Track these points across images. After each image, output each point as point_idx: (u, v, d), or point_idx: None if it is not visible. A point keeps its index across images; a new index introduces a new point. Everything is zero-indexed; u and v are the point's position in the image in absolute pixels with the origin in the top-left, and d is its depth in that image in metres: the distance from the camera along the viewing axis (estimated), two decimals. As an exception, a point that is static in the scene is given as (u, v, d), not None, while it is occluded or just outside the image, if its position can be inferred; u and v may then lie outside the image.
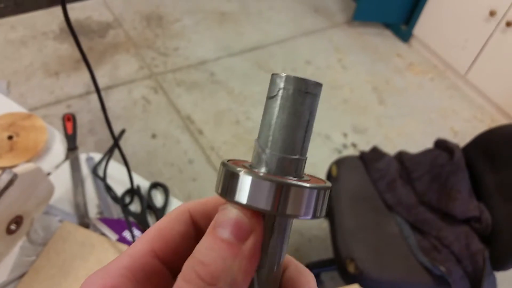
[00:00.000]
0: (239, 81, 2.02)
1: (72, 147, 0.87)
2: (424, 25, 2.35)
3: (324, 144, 1.83)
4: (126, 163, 0.72)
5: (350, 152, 1.84)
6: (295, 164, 0.21)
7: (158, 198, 0.82)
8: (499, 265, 1.08)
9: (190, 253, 0.22)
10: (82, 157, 0.86)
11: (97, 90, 0.64)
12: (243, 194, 0.20)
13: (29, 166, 0.66)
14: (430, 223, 1.16)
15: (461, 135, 2.02)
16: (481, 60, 2.12)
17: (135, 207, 0.79)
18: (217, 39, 2.20)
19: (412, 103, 2.13)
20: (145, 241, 0.24)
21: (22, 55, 1.90)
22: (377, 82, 2.19)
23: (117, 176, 0.84)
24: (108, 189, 0.78)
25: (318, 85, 0.21)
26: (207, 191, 1.57)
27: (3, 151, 0.81)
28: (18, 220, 0.68)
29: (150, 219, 0.78)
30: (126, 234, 0.74)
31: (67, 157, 0.85)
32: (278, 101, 0.21)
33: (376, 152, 1.34)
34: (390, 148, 1.89)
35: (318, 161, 1.74)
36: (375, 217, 1.21)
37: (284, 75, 0.20)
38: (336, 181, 1.28)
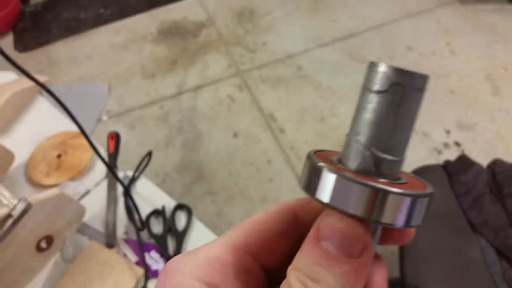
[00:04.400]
0: (327, 74, 1.92)
1: (112, 165, 0.91)
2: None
3: (421, 142, 1.65)
4: (134, 205, 0.72)
5: (452, 152, 1.62)
6: (398, 166, 0.20)
7: (181, 220, 0.82)
8: None
9: (286, 253, 0.23)
10: (120, 175, 0.90)
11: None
12: (351, 203, 0.18)
13: (51, 192, 0.71)
14: (521, 250, 0.97)
15: None
16: None
17: (158, 228, 0.80)
18: (307, 29, 2.12)
19: (535, 92, 1.79)
20: (240, 233, 0.23)
21: (122, 59, 2.06)
22: (492, 69, 1.88)
23: (147, 195, 0.86)
24: (129, 210, 0.80)
25: (428, 79, 0.20)
26: (283, 193, 1.54)
27: (51, 169, 0.88)
28: (48, 239, 0.74)
29: (171, 242, 0.79)
30: (146, 256, 0.76)
31: (107, 175, 0.89)
32: (390, 98, 0.19)
33: (463, 161, 1.15)
34: (502, 148, 1.63)
35: (412, 163, 1.57)
36: (454, 239, 1.05)
37: (398, 67, 0.19)
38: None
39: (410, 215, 0.18)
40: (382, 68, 0.19)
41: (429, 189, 0.19)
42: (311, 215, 0.24)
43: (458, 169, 1.14)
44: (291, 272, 0.19)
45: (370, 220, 0.18)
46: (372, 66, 0.19)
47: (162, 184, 1.59)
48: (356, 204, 0.18)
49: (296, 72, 1.93)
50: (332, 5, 2.23)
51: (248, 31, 2.14)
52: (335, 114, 1.75)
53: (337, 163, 0.21)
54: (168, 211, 0.83)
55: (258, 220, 0.23)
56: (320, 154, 0.22)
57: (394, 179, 0.20)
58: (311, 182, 0.20)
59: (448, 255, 1.03)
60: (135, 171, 0.85)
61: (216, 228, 1.47)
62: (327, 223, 0.19)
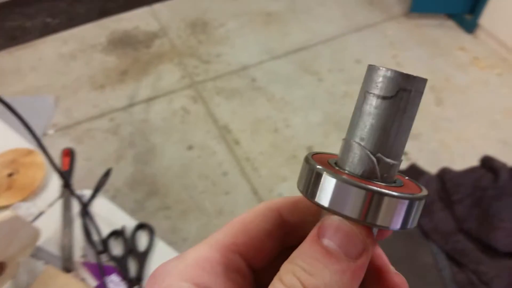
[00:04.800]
0: (280, 85, 1.95)
1: (66, 184, 0.87)
2: (492, 13, 2.08)
3: (369, 152, 1.70)
4: (95, 226, 0.69)
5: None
6: (397, 169, 0.20)
7: (142, 241, 0.80)
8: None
9: (273, 253, 0.23)
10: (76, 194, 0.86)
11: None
12: (355, 207, 0.18)
13: (4, 215, 0.67)
14: (468, 254, 1.03)
15: (532, 139, 1.77)
16: (560, 50, 1.84)
17: (118, 250, 0.77)
18: (261, 42, 2.14)
19: (475, 102, 1.91)
20: (228, 233, 0.23)
21: (71, 69, 1.99)
22: (436, 80, 1.99)
23: (105, 214, 0.83)
24: (87, 232, 0.76)
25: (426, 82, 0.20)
26: (239, 206, 1.54)
27: (2, 189, 0.83)
28: (0, 266, 0.69)
29: (132, 264, 0.76)
30: (107, 280, 0.73)
31: (61, 195, 0.85)
32: (397, 103, 0.19)
33: (413, 171, 1.21)
34: (447, 156, 1.72)
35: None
36: (408, 246, 1.10)
37: (403, 72, 0.19)
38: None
39: (408, 217, 0.19)
40: (389, 73, 0.19)
41: (425, 191, 0.20)
42: (298, 215, 0.24)
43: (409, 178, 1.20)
44: (285, 265, 0.19)
45: (375, 225, 0.18)
46: (377, 71, 0.19)
47: (113, 200, 1.54)
48: (360, 209, 0.18)
49: (250, 84, 1.95)
50: (284, 19, 2.27)
51: (202, 42, 2.13)
52: (289, 125, 1.78)
53: (334, 166, 0.21)
54: (128, 231, 0.80)
55: (245, 220, 0.23)
56: (318, 157, 0.22)
57: (392, 182, 0.20)
58: (310, 186, 0.20)
59: (403, 261, 1.07)
60: (95, 189, 0.82)
61: (170, 244, 1.44)
62: (332, 223, 0.19)
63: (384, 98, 0.19)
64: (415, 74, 0.19)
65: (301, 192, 0.21)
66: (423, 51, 2.14)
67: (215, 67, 2.02)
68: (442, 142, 1.77)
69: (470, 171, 1.13)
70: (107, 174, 0.85)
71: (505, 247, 0.97)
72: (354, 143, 0.20)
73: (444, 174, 1.17)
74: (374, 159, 0.19)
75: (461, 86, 1.98)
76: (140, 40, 2.12)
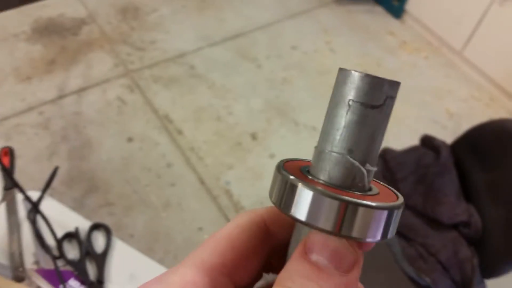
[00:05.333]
0: (220, 73, 1.92)
1: (9, 186, 0.79)
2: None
3: (310, 137, 1.74)
4: (50, 228, 0.63)
5: (339, 143, 1.75)
6: (372, 175, 0.20)
7: (99, 242, 0.75)
8: (489, 273, 1.00)
9: (257, 268, 0.22)
10: (20, 197, 0.78)
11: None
12: (334, 220, 0.17)
13: None
14: (415, 229, 1.08)
15: (457, 117, 1.91)
16: (478, 35, 1.99)
17: (73, 253, 0.72)
18: (197, 28, 2.09)
19: (404, 85, 1.99)
20: (214, 252, 0.20)
21: (-9, 61, 1.81)
22: (368, 65, 2.07)
23: (55, 216, 0.76)
24: (39, 236, 0.70)
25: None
26: (186, 197, 1.50)
27: None
28: None
29: (90, 267, 0.71)
30: (66, 286, 0.68)
31: (3, 198, 0.77)
32: (385, 111, 0.19)
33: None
34: (382, 137, 1.80)
35: (306, 156, 1.65)
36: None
37: (386, 80, 0.18)
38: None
39: (388, 227, 0.18)
40: (376, 81, 0.18)
41: (401, 198, 0.20)
42: (285, 226, 0.22)
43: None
44: (277, 285, 0.18)
45: (363, 239, 0.18)
46: (363, 78, 0.18)
47: (52, 198, 1.44)
48: (349, 224, 0.17)
49: (189, 72, 1.90)
50: (219, 4, 2.23)
51: (134, 29, 2.03)
52: (232, 113, 1.76)
53: (307, 175, 0.20)
54: (82, 233, 0.75)
55: (231, 237, 0.21)
56: (290, 164, 0.21)
57: (369, 190, 0.20)
58: (283, 197, 0.19)
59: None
60: (44, 189, 0.75)
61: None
62: (319, 236, 0.18)
63: (373, 107, 0.18)
64: (394, 79, 0.19)
65: (274, 204, 0.19)
66: (355, 36, 2.21)
67: (150, 54, 1.94)
68: (377, 124, 1.86)
69: (412, 150, 1.19)
70: (54, 173, 0.79)
71: (450, 220, 1.04)
72: (334, 153, 0.19)
73: (386, 153, 1.22)
74: (365, 171, 0.19)
75: (392, 70, 2.08)
76: (67, 27, 1.97)
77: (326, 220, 0.17)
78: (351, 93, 0.19)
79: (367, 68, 2.06)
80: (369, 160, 0.19)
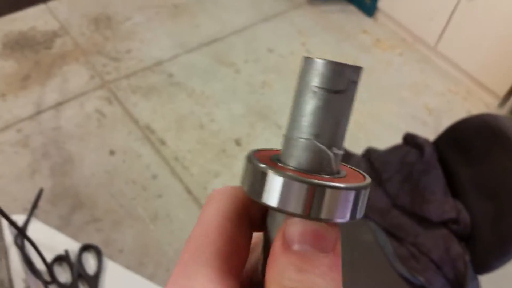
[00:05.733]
0: (199, 79, 1.90)
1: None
2: (388, -3, 2.24)
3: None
4: (39, 253, 0.61)
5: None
6: (341, 159, 0.20)
7: (90, 263, 0.73)
8: (481, 268, 1.02)
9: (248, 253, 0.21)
10: (5, 222, 0.76)
11: None
12: (301, 205, 0.18)
13: None
14: (405, 228, 1.10)
15: (436, 112, 1.95)
16: (450, 29, 2.04)
17: (65, 277, 0.70)
18: (172, 35, 2.07)
19: (381, 82, 2.05)
20: (221, 256, 0.19)
21: (-39, 79, 1.75)
22: (345, 64, 2.09)
23: (43, 240, 0.74)
24: (28, 262, 0.68)
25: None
26: (174, 207, 1.49)
27: None
28: None
29: (86, 291, 0.69)
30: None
31: (-12, 225, 0.75)
32: (348, 95, 0.19)
33: (344, 154, 1.26)
34: (363, 135, 1.82)
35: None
36: (347, 225, 1.15)
37: (348, 65, 0.19)
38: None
39: (356, 207, 0.19)
40: (339, 67, 0.19)
41: (368, 179, 0.20)
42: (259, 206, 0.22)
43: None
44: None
45: (331, 220, 0.18)
46: (325, 64, 0.19)
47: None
48: (318, 206, 0.18)
49: (167, 80, 1.88)
50: (192, 10, 2.21)
51: (108, 39, 2.00)
52: (214, 120, 1.75)
53: (278, 163, 0.20)
54: (72, 255, 0.73)
55: (227, 232, 0.20)
56: (260, 154, 0.21)
57: (337, 173, 0.20)
58: (255, 186, 0.19)
59: (345, 241, 1.11)
60: (30, 213, 0.73)
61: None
62: (295, 225, 0.18)
63: (336, 92, 0.19)
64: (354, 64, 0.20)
65: (246, 193, 0.20)
66: (330, 36, 2.23)
67: (126, 64, 1.92)
68: (357, 123, 1.87)
69: (395, 148, 1.21)
70: (39, 195, 0.77)
71: (438, 217, 1.05)
72: (302, 139, 0.20)
73: (370, 154, 1.23)
74: (332, 154, 0.19)
75: (368, 68, 2.10)
76: (39, 41, 1.93)
77: (296, 204, 0.18)
78: (315, 79, 0.19)
79: (344, 68, 2.08)
80: (335, 144, 0.20)
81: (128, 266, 1.40)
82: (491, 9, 1.86)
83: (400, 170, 1.17)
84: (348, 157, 1.26)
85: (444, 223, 1.08)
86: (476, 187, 1.07)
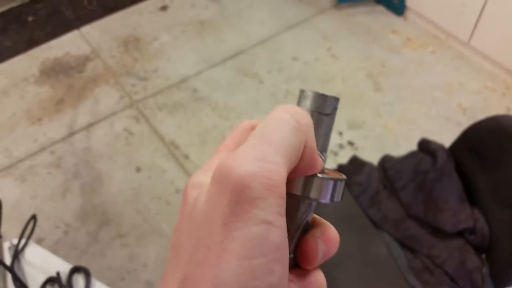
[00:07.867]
0: (222, 93, 1.93)
1: (-5, 238, 0.83)
2: (416, -6, 2.15)
3: (318, 147, 1.71)
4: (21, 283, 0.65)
5: (347, 152, 1.71)
6: (326, 161, 0.28)
7: (79, 285, 0.76)
8: (500, 282, 0.95)
9: None
10: (5, 245, 0.81)
11: None
12: (317, 191, 0.26)
13: None
14: (420, 239, 1.04)
15: (471, 111, 1.84)
16: (482, 22, 1.92)
17: (57, 300, 0.74)
18: (197, 51, 2.12)
19: (412, 83, 1.97)
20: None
21: (4, 106, 1.90)
22: (372, 67, 2.04)
23: (39, 262, 0.79)
24: (21, 284, 0.72)
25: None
26: (196, 221, 1.51)
27: None
28: None
29: (73, 312, 0.73)
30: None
31: (-11, 250, 0.80)
32: (332, 117, 0.27)
33: (355, 162, 1.22)
34: (391, 140, 1.76)
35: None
36: (359, 238, 1.10)
37: (333, 96, 0.27)
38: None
39: (334, 193, 0.26)
40: (326, 98, 0.27)
41: (344, 176, 0.27)
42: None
43: (351, 170, 1.21)
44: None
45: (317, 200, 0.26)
46: (322, 97, 0.27)
47: (65, 236, 1.48)
48: (308, 189, 0.25)
49: (192, 95, 1.92)
50: (217, 25, 2.25)
51: (137, 60, 2.08)
52: (236, 132, 1.77)
53: None
54: (63, 276, 0.77)
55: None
56: None
57: (323, 172, 0.26)
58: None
59: (357, 255, 1.08)
60: (19, 240, 0.78)
61: (129, 273, 1.40)
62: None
63: (326, 115, 0.27)
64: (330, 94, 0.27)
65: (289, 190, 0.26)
66: (357, 39, 2.18)
67: (153, 83, 1.98)
68: (385, 127, 1.81)
69: (409, 156, 1.15)
70: (32, 219, 0.81)
71: (453, 228, 0.99)
72: None
73: (385, 162, 1.19)
74: (323, 157, 0.27)
75: (398, 69, 2.03)
76: (72, 65, 2.04)
77: (297, 188, 0.25)
78: (312, 105, 0.27)
79: (371, 70, 2.02)
80: (324, 150, 0.27)
81: (151, 281, 1.45)
82: (525, -2, 1.74)
83: (414, 178, 1.11)
84: (360, 165, 1.23)
85: (460, 233, 1.01)
86: (494, 194, 1.00)
